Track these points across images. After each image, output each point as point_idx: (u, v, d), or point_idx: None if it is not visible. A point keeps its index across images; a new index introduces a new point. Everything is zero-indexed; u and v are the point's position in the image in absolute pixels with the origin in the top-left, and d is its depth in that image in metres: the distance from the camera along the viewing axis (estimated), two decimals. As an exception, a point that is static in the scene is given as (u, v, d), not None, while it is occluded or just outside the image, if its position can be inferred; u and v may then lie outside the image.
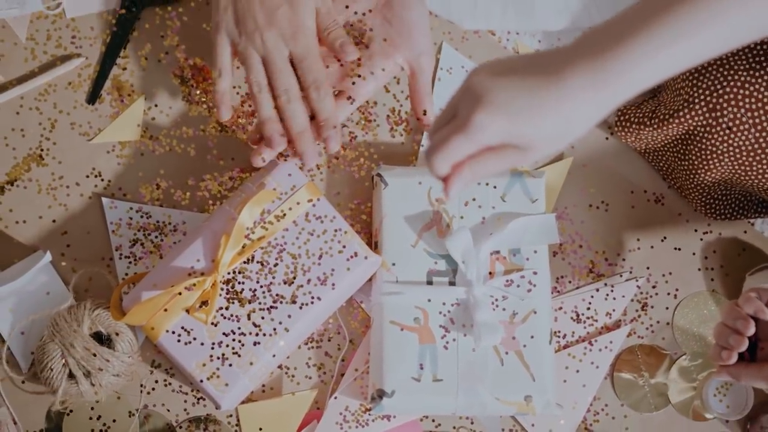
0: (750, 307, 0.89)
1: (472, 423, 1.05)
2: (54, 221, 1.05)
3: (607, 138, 1.11)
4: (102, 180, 1.06)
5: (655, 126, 1.02)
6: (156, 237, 1.05)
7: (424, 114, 0.98)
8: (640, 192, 1.10)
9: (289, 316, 0.97)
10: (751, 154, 0.97)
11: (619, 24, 0.73)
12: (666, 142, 1.05)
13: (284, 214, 0.98)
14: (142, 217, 1.05)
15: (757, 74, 0.94)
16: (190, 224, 1.05)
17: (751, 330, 0.88)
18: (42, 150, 1.06)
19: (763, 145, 0.96)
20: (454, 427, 1.05)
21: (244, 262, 0.97)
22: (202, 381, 0.95)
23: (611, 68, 0.71)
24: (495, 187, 1.04)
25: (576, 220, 1.09)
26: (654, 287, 1.09)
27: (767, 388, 0.91)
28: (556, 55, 0.73)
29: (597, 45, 0.72)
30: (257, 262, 0.97)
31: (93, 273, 1.04)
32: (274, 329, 0.97)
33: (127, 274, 1.04)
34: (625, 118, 1.06)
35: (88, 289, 1.04)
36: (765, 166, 0.97)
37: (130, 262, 1.04)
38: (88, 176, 1.06)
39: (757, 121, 0.95)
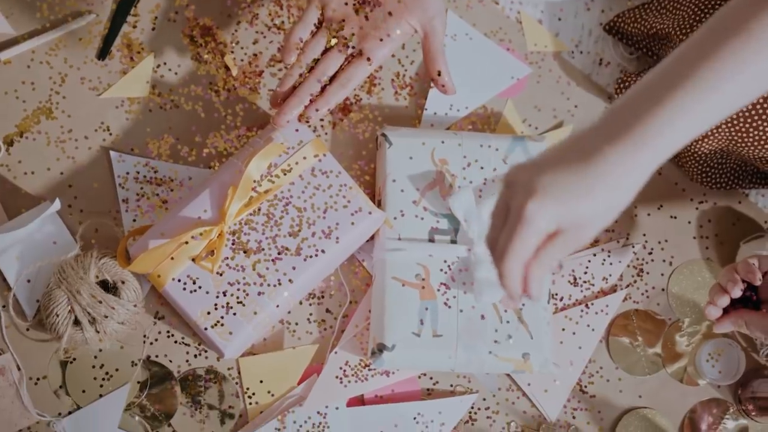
0: (743, 270, 0.92)
1: (469, 381, 1.07)
2: (62, 173, 1.06)
3: (606, 107, 1.13)
4: (110, 134, 1.07)
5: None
6: (162, 191, 1.06)
7: (438, 75, 1.00)
8: (637, 161, 1.12)
9: (294, 268, 0.98)
10: (748, 120, 0.99)
11: (655, 83, 0.75)
12: (665, 109, 1.07)
13: (291, 168, 1.00)
14: (149, 171, 1.06)
15: (755, 41, 0.96)
16: (196, 180, 1.07)
17: (737, 292, 0.92)
18: (52, 103, 1.07)
19: (760, 111, 0.98)
20: (452, 385, 1.07)
21: (251, 214, 0.99)
22: (206, 329, 0.97)
23: (647, 130, 0.73)
24: (497, 149, 1.06)
25: (575, 186, 1.11)
26: (650, 254, 1.11)
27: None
28: (590, 136, 0.75)
29: (628, 113, 0.74)
30: (263, 214, 0.99)
31: (100, 224, 1.05)
32: (279, 280, 0.98)
33: (132, 227, 1.05)
34: (626, 86, 1.08)
35: (95, 240, 1.05)
36: (761, 133, 1.00)
37: (135, 215, 1.05)
38: (96, 130, 1.07)
39: (754, 87, 0.97)
